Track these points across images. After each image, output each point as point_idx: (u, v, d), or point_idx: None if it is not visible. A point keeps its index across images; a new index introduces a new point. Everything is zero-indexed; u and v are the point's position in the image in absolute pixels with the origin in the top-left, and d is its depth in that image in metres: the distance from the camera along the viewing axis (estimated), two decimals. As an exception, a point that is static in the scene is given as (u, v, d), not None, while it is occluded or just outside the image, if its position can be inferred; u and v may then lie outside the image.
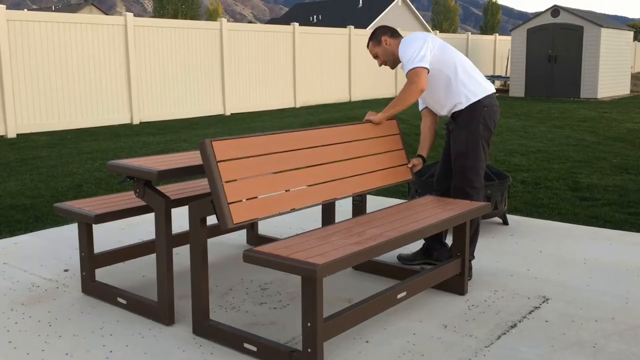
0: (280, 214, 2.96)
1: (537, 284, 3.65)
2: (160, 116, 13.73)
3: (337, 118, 13.91)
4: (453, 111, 3.69)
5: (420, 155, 3.90)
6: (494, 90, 3.74)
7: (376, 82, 20.11)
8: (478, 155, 3.65)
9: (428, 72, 3.54)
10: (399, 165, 3.81)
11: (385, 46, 3.73)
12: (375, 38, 3.75)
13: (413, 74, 3.51)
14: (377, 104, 17.62)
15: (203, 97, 14.67)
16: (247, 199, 2.85)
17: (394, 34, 3.76)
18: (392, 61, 3.76)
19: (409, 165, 3.85)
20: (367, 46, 3.82)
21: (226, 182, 2.80)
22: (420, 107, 3.96)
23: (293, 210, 3.02)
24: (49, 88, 11.77)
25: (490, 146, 3.76)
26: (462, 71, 3.64)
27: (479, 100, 3.63)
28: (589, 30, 19.55)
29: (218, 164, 2.80)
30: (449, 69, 3.63)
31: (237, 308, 3.34)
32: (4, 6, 11.07)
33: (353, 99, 19.08)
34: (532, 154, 8.63)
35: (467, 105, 3.63)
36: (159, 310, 3.14)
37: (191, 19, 46.05)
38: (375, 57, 3.78)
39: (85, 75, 12.33)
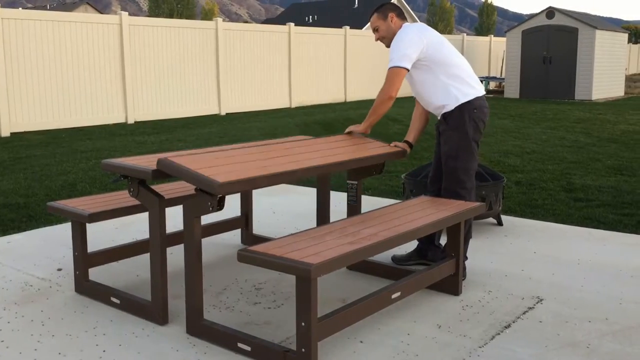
0: (264, 178, 2.93)
1: (531, 284, 3.66)
2: (155, 115, 13.70)
3: (333, 118, 13.92)
4: (443, 112, 3.69)
5: (406, 141, 3.89)
6: (484, 92, 3.74)
7: (371, 83, 20.12)
8: (469, 157, 3.65)
9: (408, 71, 3.57)
10: (382, 147, 3.80)
11: (389, 23, 3.71)
12: (382, 12, 3.73)
13: (389, 76, 3.56)
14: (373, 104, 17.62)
15: (198, 96, 14.65)
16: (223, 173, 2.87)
17: (400, 14, 3.75)
18: (389, 40, 3.74)
19: (392, 145, 3.84)
20: (370, 17, 3.78)
21: (196, 169, 2.82)
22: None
23: (279, 177, 2.96)
24: (44, 87, 11.73)
25: (479, 147, 3.77)
26: (454, 71, 3.64)
27: (469, 102, 3.62)
28: (584, 32, 19.62)
29: (182, 163, 2.85)
30: (441, 67, 3.62)
31: (231, 308, 3.33)
32: (-1, 4, 11.03)
33: (348, 100, 19.09)
34: (526, 155, 8.65)
35: (456, 105, 3.62)
36: (152, 310, 3.13)
37: (187, 18, 45.99)
38: (375, 30, 3.75)
39: (80, 74, 12.30)
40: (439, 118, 3.76)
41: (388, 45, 3.75)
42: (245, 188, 2.81)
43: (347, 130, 3.89)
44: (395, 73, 3.54)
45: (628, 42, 29.06)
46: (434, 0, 61.64)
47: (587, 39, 19.59)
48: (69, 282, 3.69)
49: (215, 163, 2.95)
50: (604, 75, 20.42)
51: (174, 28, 14.03)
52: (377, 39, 3.81)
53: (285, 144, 3.51)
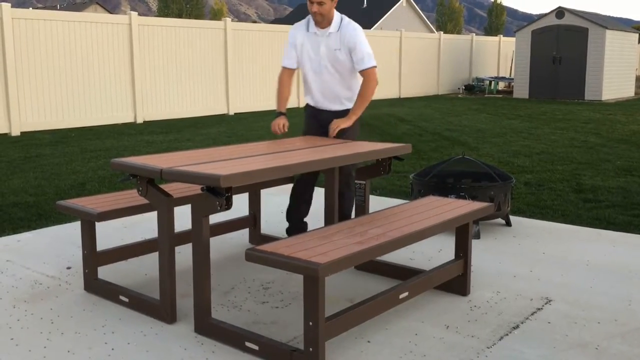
0: (265, 171, 2.94)
1: (539, 285, 3.64)
2: (164, 115, 13.75)
3: (341, 118, 13.89)
4: (344, 108, 4.01)
5: (283, 114, 4.09)
6: None
7: (380, 83, 20.04)
8: None
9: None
10: (380, 145, 3.81)
11: (333, 5, 3.91)
12: None
13: (372, 73, 3.93)
14: (381, 105, 17.60)
15: (207, 96, 14.68)
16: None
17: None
18: (325, 19, 3.91)
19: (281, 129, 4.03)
20: None
21: (197, 169, 2.86)
22: (288, 65, 4.14)
23: (279, 170, 2.96)
24: (53, 86, 11.80)
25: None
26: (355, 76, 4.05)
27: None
28: (594, 32, 19.51)
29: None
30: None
31: (239, 307, 3.34)
32: (9, 4, 11.10)
33: (357, 100, 19.06)
34: (535, 156, 8.62)
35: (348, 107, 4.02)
36: (161, 309, 3.14)
37: (195, 18, 46.11)
38: (320, 3, 3.84)
39: (90, 73, 12.36)
40: (329, 116, 4.03)
41: (320, 23, 3.92)
42: (248, 181, 2.81)
43: (337, 128, 3.96)
44: (375, 70, 3.96)
45: (638, 42, 28.86)
46: (443, 0, 61.48)
47: (597, 39, 19.48)
48: (78, 281, 3.71)
49: (216, 161, 2.96)
50: (614, 75, 20.30)
51: (182, 28, 14.07)
52: (315, 11, 3.86)
53: (288, 144, 3.52)
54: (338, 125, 3.95)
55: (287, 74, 4.11)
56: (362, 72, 3.97)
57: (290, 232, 4.29)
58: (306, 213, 4.30)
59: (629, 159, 8.35)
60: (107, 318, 3.19)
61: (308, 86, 4.16)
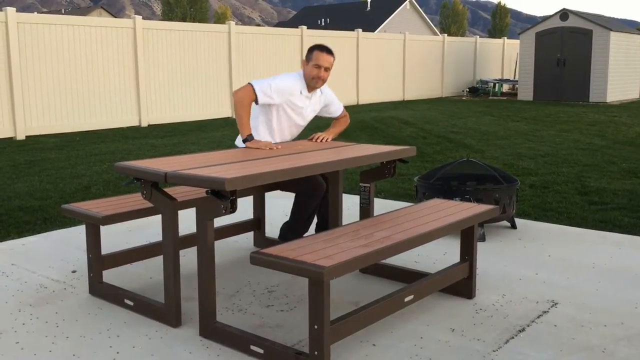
0: (271, 174, 2.94)
1: (545, 288, 3.63)
2: (168, 119, 13.78)
3: (345, 121, 13.90)
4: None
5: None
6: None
7: (384, 86, 20.10)
8: None
9: None
10: (384, 148, 3.81)
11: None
12: (334, 59, 4.05)
13: (345, 110, 4.43)
14: (385, 107, 17.61)
15: (211, 99, 14.71)
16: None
17: None
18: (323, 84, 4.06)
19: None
20: (330, 53, 3.98)
21: (203, 172, 2.86)
22: (261, 102, 4.03)
23: (285, 173, 2.97)
24: (58, 90, 11.84)
25: None
26: None
27: None
28: (598, 33, 19.48)
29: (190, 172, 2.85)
30: None
31: (244, 310, 3.33)
32: (14, 9, 11.15)
33: (361, 102, 19.08)
34: (540, 158, 8.60)
35: None
36: (166, 312, 3.14)
37: (199, 22, 46.21)
38: (326, 69, 3.96)
39: (94, 77, 12.39)
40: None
41: (314, 88, 4.03)
42: (253, 184, 2.81)
43: (320, 138, 4.09)
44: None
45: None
46: (446, 2, 61.53)
47: (602, 40, 19.45)
48: (83, 284, 3.71)
49: (220, 164, 2.95)
50: (618, 77, 20.26)
51: (187, 32, 14.11)
52: (321, 77, 3.95)
53: (292, 147, 3.52)
54: (325, 137, 4.11)
55: (251, 101, 3.87)
56: (341, 114, 4.38)
57: (286, 229, 4.21)
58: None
59: (634, 161, 8.32)
60: (112, 322, 3.19)
61: (266, 130, 4.07)
